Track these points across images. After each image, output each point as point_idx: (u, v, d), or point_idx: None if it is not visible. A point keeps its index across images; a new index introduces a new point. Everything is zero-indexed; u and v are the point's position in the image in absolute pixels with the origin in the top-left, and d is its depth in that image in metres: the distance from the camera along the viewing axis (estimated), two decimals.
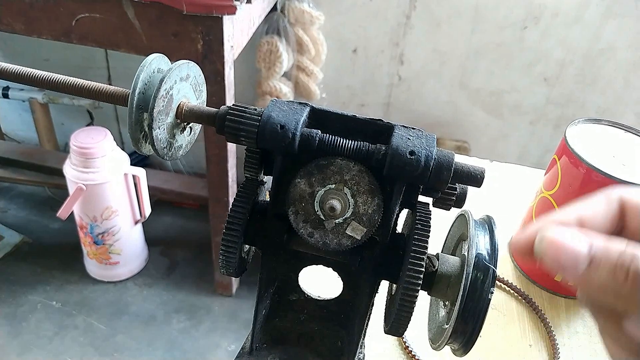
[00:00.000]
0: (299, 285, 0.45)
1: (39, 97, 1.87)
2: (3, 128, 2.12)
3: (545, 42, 1.51)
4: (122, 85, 0.37)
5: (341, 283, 0.44)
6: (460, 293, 0.33)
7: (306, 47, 1.56)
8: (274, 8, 1.49)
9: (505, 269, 0.69)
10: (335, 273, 0.43)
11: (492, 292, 0.33)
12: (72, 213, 1.55)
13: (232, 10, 1.09)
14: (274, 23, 1.51)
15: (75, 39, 1.20)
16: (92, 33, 1.18)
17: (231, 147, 1.37)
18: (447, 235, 0.44)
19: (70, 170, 1.50)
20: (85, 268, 1.76)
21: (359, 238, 0.35)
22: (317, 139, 0.35)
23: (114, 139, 1.53)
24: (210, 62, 1.16)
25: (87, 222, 1.58)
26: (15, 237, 1.85)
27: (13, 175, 2.07)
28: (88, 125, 2.03)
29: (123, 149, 1.60)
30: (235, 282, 1.74)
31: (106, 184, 1.50)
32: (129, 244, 1.70)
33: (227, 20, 1.12)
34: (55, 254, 1.82)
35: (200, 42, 1.14)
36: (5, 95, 1.87)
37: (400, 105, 1.72)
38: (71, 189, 1.51)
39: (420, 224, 0.35)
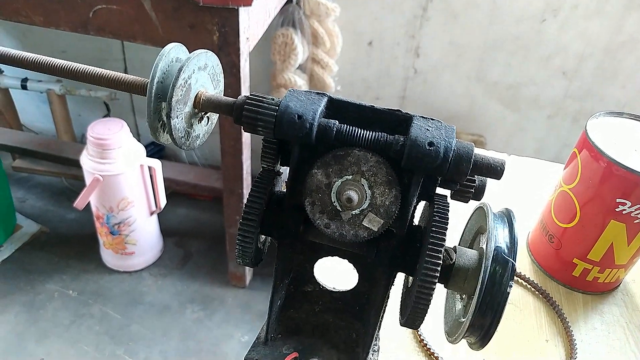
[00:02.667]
0: (314, 277, 0.45)
1: (57, 88, 1.89)
2: (21, 119, 2.14)
3: (564, 35, 1.49)
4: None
5: (357, 275, 0.44)
6: (479, 286, 0.33)
7: (321, 40, 1.55)
8: (290, 0, 1.49)
9: (522, 263, 0.68)
10: (351, 265, 0.43)
11: (511, 286, 0.32)
12: (88, 203, 1.56)
13: (248, 2, 1.08)
14: (289, 15, 1.50)
15: (92, 30, 1.21)
16: (109, 25, 1.19)
17: (246, 139, 1.37)
18: (465, 228, 0.44)
19: (87, 161, 1.51)
20: (101, 258, 1.78)
21: (375, 230, 0.35)
22: (335, 129, 0.34)
23: (130, 131, 1.54)
24: (226, 54, 1.16)
25: (103, 213, 1.59)
26: (33, 227, 1.88)
27: (31, 165, 2.10)
28: (105, 116, 2.05)
29: (139, 141, 1.61)
30: (248, 273, 1.75)
31: (122, 175, 1.52)
32: (145, 235, 1.72)
33: (243, 11, 1.11)
34: (72, 243, 1.85)
35: (216, 34, 1.14)
36: (24, 87, 1.89)
37: (416, 98, 1.71)
38: (88, 180, 1.53)
39: (438, 216, 0.35)
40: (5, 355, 1.48)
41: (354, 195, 0.34)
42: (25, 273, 1.72)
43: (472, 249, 0.40)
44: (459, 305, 0.40)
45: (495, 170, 0.35)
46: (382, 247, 0.37)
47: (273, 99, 0.35)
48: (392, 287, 0.39)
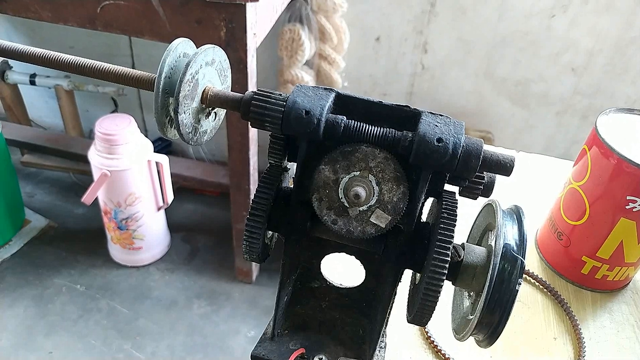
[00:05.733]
0: (321, 273, 0.45)
1: (64, 84, 1.90)
2: (30, 115, 2.16)
3: (574, 31, 1.47)
4: None
5: (364, 271, 0.44)
6: (487, 284, 0.32)
7: (328, 35, 1.55)
8: None
9: (530, 260, 0.68)
10: (358, 261, 0.43)
11: (520, 284, 0.32)
12: (96, 199, 1.57)
13: None
14: (296, 11, 1.50)
15: (100, 26, 1.21)
16: (117, 20, 1.19)
17: (253, 135, 1.37)
18: (473, 225, 0.43)
19: (94, 156, 1.52)
20: (109, 253, 1.79)
21: (383, 226, 0.35)
22: (342, 125, 0.34)
23: (138, 126, 1.55)
24: (233, 49, 1.16)
25: (111, 208, 1.60)
26: (41, 222, 1.89)
27: (39, 161, 2.11)
28: (112, 112, 2.05)
29: (147, 136, 1.62)
30: (255, 269, 1.75)
31: (130, 170, 1.52)
32: (152, 230, 1.72)
33: (250, 7, 1.11)
34: (80, 238, 1.86)
35: (223, 30, 1.14)
36: (32, 82, 1.90)
37: (423, 94, 1.70)
38: (96, 175, 1.53)
39: (446, 213, 0.34)
40: (14, 349, 1.49)
41: (361, 191, 0.33)
42: (34, 267, 1.73)
43: (481, 246, 0.39)
44: (466, 303, 0.40)
45: (505, 167, 0.34)
46: (390, 243, 0.37)
47: (280, 95, 0.34)
48: (400, 283, 0.39)
